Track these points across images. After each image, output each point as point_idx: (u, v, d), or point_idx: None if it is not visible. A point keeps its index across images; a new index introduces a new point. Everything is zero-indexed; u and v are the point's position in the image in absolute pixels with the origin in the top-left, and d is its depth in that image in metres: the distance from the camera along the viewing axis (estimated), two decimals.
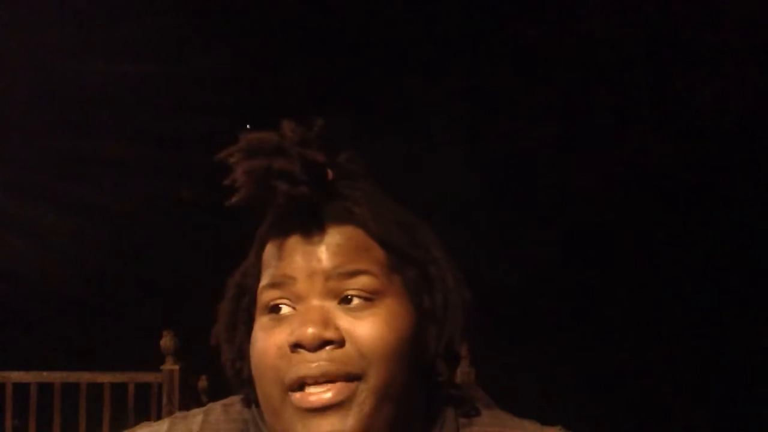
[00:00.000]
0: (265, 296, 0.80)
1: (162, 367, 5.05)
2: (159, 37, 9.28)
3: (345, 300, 0.78)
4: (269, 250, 0.82)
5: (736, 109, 9.18)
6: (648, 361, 8.03)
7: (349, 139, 0.82)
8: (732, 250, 8.91)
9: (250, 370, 0.82)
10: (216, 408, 0.89)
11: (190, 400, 4.88)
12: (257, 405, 0.84)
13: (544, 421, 0.91)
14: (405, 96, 9.95)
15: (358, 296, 0.78)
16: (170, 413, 0.93)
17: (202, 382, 5.48)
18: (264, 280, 0.81)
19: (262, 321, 0.81)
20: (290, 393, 0.77)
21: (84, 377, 5.14)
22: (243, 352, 0.84)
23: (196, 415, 0.88)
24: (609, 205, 9.46)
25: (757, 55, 9.17)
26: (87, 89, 9.17)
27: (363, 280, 0.78)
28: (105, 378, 5.13)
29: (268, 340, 0.79)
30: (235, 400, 0.89)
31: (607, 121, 9.92)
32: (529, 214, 9.49)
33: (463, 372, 4.47)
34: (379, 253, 0.80)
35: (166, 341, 5.01)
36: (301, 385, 0.76)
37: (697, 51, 9.38)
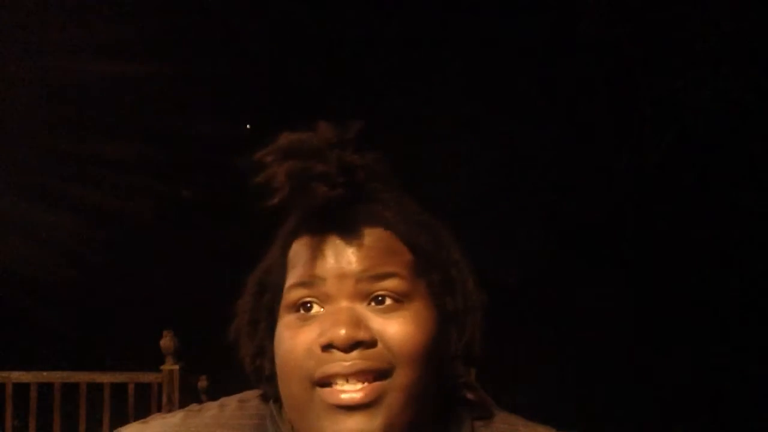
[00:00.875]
0: (293, 295, 0.81)
1: (162, 367, 5.05)
2: (159, 37, 9.28)
3: (374, 301, 0.79)
4: (297, 248, 0.83)
5: (736, 109, 9.18)
6: (650, 361, 8.03)
7: (374, 141, 0.83)
8: (732, 250, 8.91)
9: (271, 366, 0.83)
10: (231, 403, 0.90)
11: (190, 400, 4.87)
12: (276, 401, 0.84)
13: (544, 422, 0.91)
14: (405, 96, 9.95)
15: (388, 296, 0.79)
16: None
17: (202, 382, 5.48)
18: (292, 279, 0.81)
19: (288, 319, 0.81)
20: (318, 389, 0.77)
21: (84, 377, 5.14)
22: (264, 349, 0.85)
23: (210, 409, 0.89)
24: (609, 205, 9.46)
25: (757, 55, 9.17)
26: (87, 89, 9.16)
27: (392, 283, 0.79)
28: (105, 378, 5.13)
29: (296, 339, 0.79)
30: (250, 395, 0.89)
31: (607, 121, 9.92)
32: (529, 214, 9.49)
33: None
34: (406, 256, 0.82)
35: (166, 341, 5.01)
36: (329, 382, 0.77)
37: (697, 51, 9.37)
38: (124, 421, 0.97)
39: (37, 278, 8.49)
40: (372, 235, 0.80)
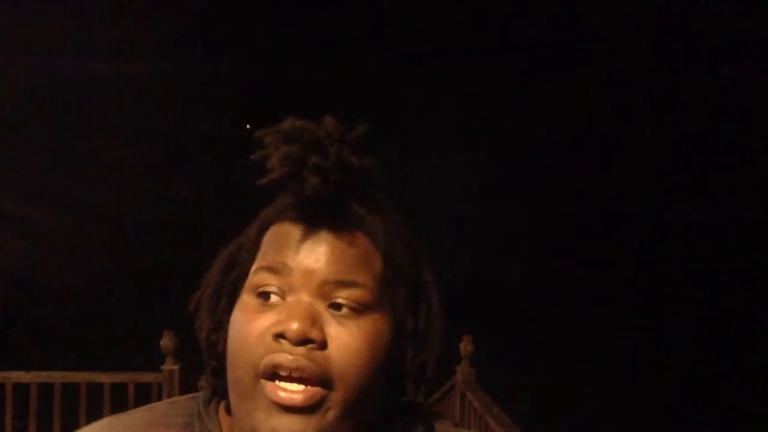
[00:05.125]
0: (258, 278, 0.79)
1: (162, 367, 5.04)
2: (159, 37, 9.28)
3: (334, 306, 0.78)
4: (274, 232, 0.82)
5: (736, 109, 9.18)
6: (650, 361, 8.03)
7: (374, 147, 0.82)
8: (732, 249, 8.91)
9: (224, 344, 0.81)
10: (161, 404, 0.89)
11: None
12: (215, 391, 0.84)
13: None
14: (405, 96, 9.95)
15: (348, 306, 0.78)
16: None
17: (202, 382, 5.47)
18: (260, 261, 0.80)
19: (247, 301, 0.80)
20: (262, 381, 0.76)
21: (84, 377, 5.13)
22: (221, 324, 0.83)
23: (138, 411, 0.88)
24: (609, 204, 9.46)
25: (757, 55, 9.17)
26: (87, 89, 9.17)
27: (356, 293, 0.78)
28: (105, 378, 5.12)
29: (251, 324, 0.78)
30: (181, 397, 0.89)
31: (607, 121, 9.93)
32: (529, 214, 9.49)
33: (463, 372, 4.46)
34: (378, 266, 0.80)
35: (166, 341, 4.99)
36: (273, 374, 0.76)
37: (697, 51, 9.38)
38: None
39: (37, 278, 8.50)
40: (350, 239, 0.79)
